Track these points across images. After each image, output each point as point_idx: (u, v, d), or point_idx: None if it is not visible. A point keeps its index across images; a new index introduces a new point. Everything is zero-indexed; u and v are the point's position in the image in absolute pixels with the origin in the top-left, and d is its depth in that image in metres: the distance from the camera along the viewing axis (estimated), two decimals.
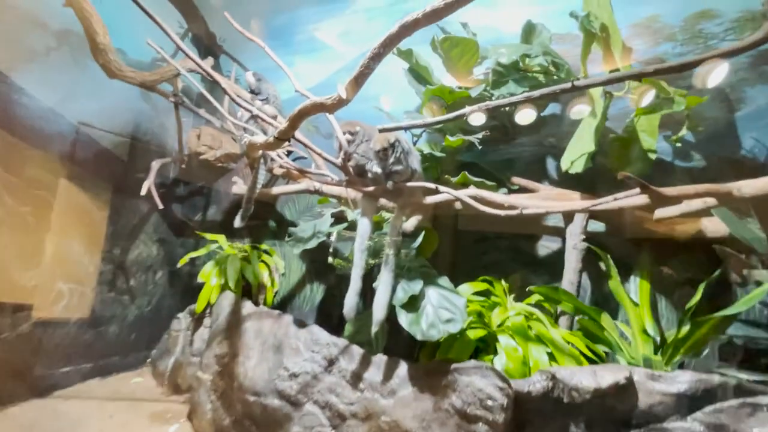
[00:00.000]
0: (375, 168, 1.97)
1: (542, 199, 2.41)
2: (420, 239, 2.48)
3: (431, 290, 2.11)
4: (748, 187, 1.50)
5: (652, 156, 2.21)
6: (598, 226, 2.58)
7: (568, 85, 1.41)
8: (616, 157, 2.39)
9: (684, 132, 2.03)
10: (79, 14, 2.38)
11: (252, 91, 2.66)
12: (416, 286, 2.08)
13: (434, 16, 1.39)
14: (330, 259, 2.69)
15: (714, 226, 2.24)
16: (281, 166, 3.18)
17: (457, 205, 2.42)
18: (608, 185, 2.60)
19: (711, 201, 1.62)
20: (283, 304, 3.53)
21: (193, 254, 3.38)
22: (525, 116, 2.52)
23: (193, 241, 3.93)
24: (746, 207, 1.91)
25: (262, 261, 3.46)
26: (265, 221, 3.81)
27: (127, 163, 3.60)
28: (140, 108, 3.72)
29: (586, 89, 1.66)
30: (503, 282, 2.58)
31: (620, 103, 2.48)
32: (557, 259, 2.72)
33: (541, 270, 2.79)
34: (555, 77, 2.49)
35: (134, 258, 3.60)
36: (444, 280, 2.19)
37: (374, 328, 2.01)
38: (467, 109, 1.60)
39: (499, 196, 2.08)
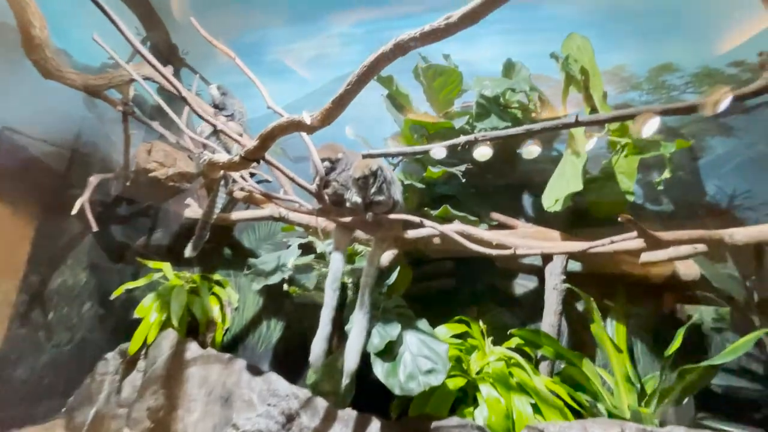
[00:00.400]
0: (354, 197, 1.76)
1: (521, 237, 2.31)
2: (395, 276, 2.26)
3: (410, 335, 1.88)
4: (739, 234, 1.47)
5: (630, 198, 2.20)
6: (574, 266, 2.52)
7: (572, 119, 1.31)
8: (594, 197, 2.36)
9: (667, 175, 2.04)
10: (11, 2, 2.03)
11: (215, 106, 2.39)
12: (393, 330, 1.85)
13: (433, 35, 1.26)
14: (285, 287, 2.38)
15: (686, 269, 2.23)
16: (243, 189, 2.88)
17: (436, 240, 2.25)
18: (582, 223, 2.57)
19: (701, 247, 1.57)
20: (234, 344, 3.11)
21: (131, 284, 2.92)
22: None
23: (133, 268, 3.44)
24: (721, 253, 1.91)
25: (213, 293, 3.06)
26: (219, 248, 3.42)
27: (62, 177, 3.12)
28: (83, 116, 3.30)
29: (589, 125, 1.61)
30: (481, 323, 2.40)
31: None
32: (534, 299, 2.61)
33: (517, 309, 2.66)
34: (533, 114, 2.47)
35: (57, 287, 3.06)
36: (423, 323, 1.98)
37: (345, 380, 1.73)
38: (462, 138, 1.46)
39: (486, 233, 1.94)
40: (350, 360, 1.75)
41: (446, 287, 2.80)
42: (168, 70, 2.99)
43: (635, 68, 2.77)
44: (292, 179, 1.73)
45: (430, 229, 1.79)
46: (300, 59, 3.86)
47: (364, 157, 1.62)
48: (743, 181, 2.40)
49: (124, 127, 2.94)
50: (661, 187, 2.09)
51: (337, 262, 1.89)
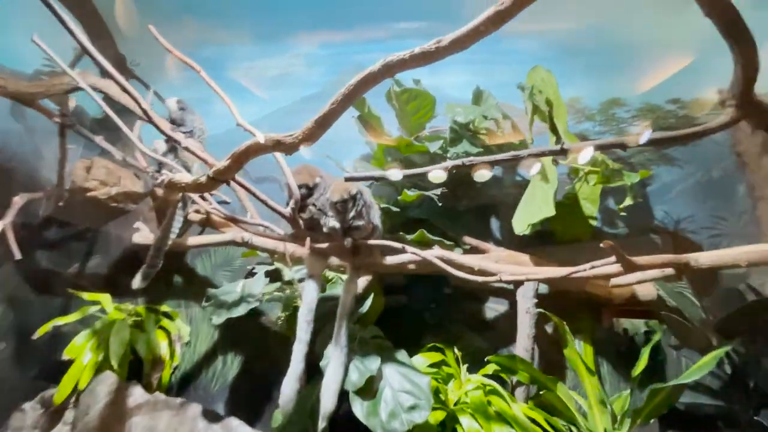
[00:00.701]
0: (332, 222, 1.65)
1: (494, 261, 2.30)
2: (369, 303, 2.15)
3: (389, 369, 1.76)
4: (703, 258, 1.56)
5: (593, 222, 2.29)
6: (541, 288, 2.55)
7: (558, 147, 1.33)
8: (559, 221, 2.42)
9: (630, 202, 2.15)
10: None
11: (173, 121, 2.18)
12: (372, 363, 1.72)
13: (423, 58, 1.23)
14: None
15: (644, 291, 2.34)
16: (198, 212, 2.65)
17: (411, 265, 2.17)
18: (542, 244, 2.63)
19: (669, 270, 1.64)
20: (184, 383, 2.78)
21: (60, 320, 2.53)
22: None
23: (62, 301, 3.00)
24: (678, 275, 2.01)
25: (161, 327, 2.73)
26: (168, 276, 3.09)
27: None
28: (7, 128, 2.89)
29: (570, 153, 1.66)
30: (455, 350, 2.34)
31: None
32: (505, 323, 2.61)
33: (488, 334, 2.64)
34: (500, 140, 2.53)
35: None
36: (402, 354, 1.87)
37: (321, 424, 1.57)
38: (449, 162, 1.43)
39: (467, 259, 1.90)
40: (327, 400, 1.59)
41: (398, 304, 2.72)
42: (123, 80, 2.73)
43: (588, 101, 2.96)
44: (264, 202, 1.59)
45: (410, 255, 1.71)
46: (261, 78, 3.71)
47: (347, 180, 1.53)
48: (686, 207, 2.61)
49: (61, 141, 2.61)
50: (623, 213, 2.20)
51: (311, 292, 1.74)
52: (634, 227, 2.65)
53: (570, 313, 2.48)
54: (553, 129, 2.26)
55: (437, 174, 2.28)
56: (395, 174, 2.07)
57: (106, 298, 2.69)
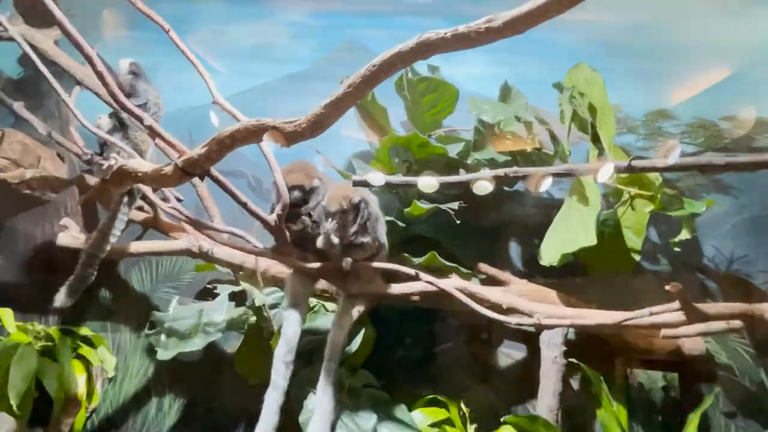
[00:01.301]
0: (330, 237, 1.56)
1: (516, 295, 2.26)
2: (359, 340, 2.06)
3: (386, 429, 1.67)
4: None
5: (636, 257, 2.29)
6: (570, 332, 2.53)
7: (625, 163, 1.31)
8: (593, 252, 2.41)
9: (687, 236, 2.16)
10: None
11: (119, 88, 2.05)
12: (367, 422, 1.64)
13: (467, 40, 1.20)
14: None
15: (692, 344, 2.35)
16: (140, 208, 2.50)
17: (415, 297, 2.10)
18: (568, 276, 2.61)
19: (736, 323, 1.64)
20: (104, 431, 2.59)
21: None
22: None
23: None
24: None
25: (78, 356, 2.54)
26: (92, 289, 2.88)
27: None
28: None
29: (640, 172, 1.65)
30: (462, 405, 2.28)
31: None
32: (522, 373, 2.58)
33: (501, 386, 2.59)
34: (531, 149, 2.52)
35: None
36: (401, 411, 1.79)
37: None
38: (487, 172, 1.38)
39: (493, 294, 1.85)
40: None
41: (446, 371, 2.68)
42: (52, 35, 2.57)
43: (631, 110, 3.01)
44: (244, 205, 1.49)
45: (423, 284, 1.65)
46: (235, 47, 3.60)
47: (355, 184, 1.46)
48: (740, 245, 2.66)
49: None
50: (677, 249, 2.22)
51: (293, 324, 1.64)
52: (678, 264, 2.68)
53: (595, 364, 2.47)
54: (596, 139, 2.28)
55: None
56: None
57: (6, 314, 2.49)
